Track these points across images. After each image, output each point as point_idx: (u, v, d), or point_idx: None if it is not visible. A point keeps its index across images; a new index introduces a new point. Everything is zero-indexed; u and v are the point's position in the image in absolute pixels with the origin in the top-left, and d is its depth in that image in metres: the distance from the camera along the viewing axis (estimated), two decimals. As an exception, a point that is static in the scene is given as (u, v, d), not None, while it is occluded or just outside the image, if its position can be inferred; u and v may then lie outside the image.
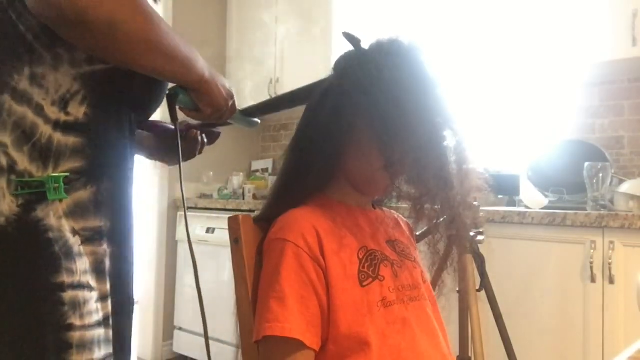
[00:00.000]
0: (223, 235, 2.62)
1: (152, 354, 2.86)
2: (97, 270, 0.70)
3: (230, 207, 2.68)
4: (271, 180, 3.24)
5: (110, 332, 0.71)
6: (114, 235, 0.73)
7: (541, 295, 1.75)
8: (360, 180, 0.86)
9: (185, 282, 2.83)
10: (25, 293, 0.64)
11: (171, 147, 0.94)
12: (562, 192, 2.01)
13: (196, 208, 2.86)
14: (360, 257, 0.81)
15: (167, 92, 0.83)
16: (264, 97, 2.92)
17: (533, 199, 1.96)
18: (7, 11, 0.66)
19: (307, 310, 0.74)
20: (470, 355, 1.19)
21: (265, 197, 3.06)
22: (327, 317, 0.76)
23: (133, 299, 0.80)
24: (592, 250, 1.63)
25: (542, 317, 1.74)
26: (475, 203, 0.84)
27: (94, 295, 0.68)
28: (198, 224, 2.78)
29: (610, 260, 1.60)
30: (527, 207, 1.94)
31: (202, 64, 0.77)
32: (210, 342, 2.86)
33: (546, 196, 2.00)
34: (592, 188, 1.84)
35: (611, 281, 1.60)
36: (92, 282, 0.69)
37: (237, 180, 3.09)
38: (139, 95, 0.78)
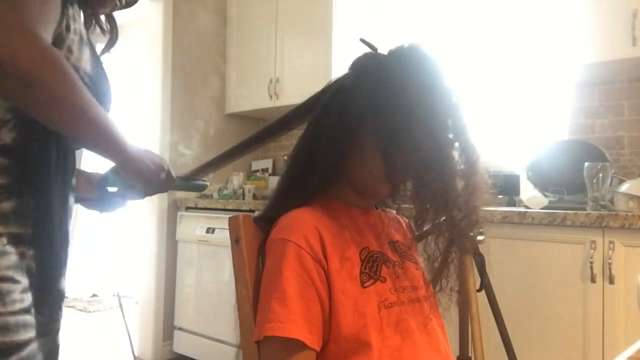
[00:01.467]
0: (223, 235, 2.62)
1: (152, 354, 2.86)
2: (20, 267, 0.80)
3: (230, 207, 2.68)
4: (271, 180, 3.24)
5: (33, 319, 0.81)
6: (35, 241, 0.82)
7: (541, 295, 1.75)
8: (361, 185, 0.86)
9: (186, 282, 2.83)
10: None
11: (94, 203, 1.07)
12: (562, 192, 2.01)
13: (196, 208, 2.86)
14: (362, 258, 0.81)
15: (100, 177, 0.95)
16: (264, 97, 2.94)
17: (533, 199, 1.96)
18: None
19: (308, 311, 0.74)
20: (470, 355, 1.19)
21: (266, 197, 3.05)
22: (329, 317, 0.76)
23: (62, 292, 0.91)
24: (592, 250, 1.63)
25: (542, 316, 1.74)
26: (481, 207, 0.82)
27: (18, 287, 0.78)
28: (198, 224, 2.78)
29: (610, 260, 1.60)
30: (527, 207, 1.94)
31: (128, 141, 0.86)
32: (210, 342, 2.88)
33: (546, 196, 2.00)
34: (592, 188, 1.84)
35: (611, 281, 1.60)
36: (17, 276, 0.78)
37: (237, 180, 3.09)
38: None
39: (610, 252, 1.60)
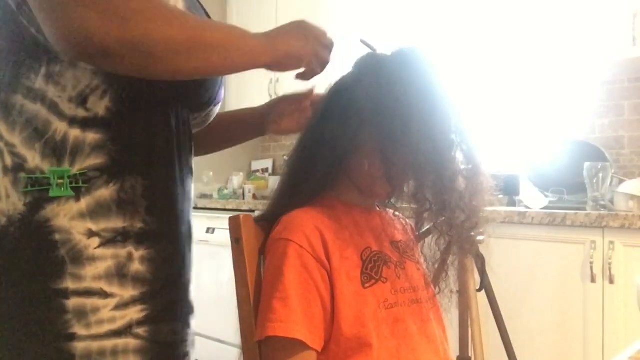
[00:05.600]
0: (223, 235, 2.62)
1: (152, 354, 2.86)
2: (119, 274, 0.65)
3: (230, 207, 2.68)
4: (271, 180, 3.24)
5: (141, 342, 0.65)
6: (147, 236, 0.68)
7: (541, 295, 1.75)
8: (362, 184, 0.86)
9: (185, 282, 2.83)
10: (25, 298, 0.61)
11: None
12: (562, 192, 2.01)
13: (196, 208, 2.86)
14: (364, 258, 0.81)
15: None
16: (264, 97, 2.93)
17: (533, 199, 1.96)
18: (18, 16, 0.64)
19: (310, 311, 0.74)
20: (470, 355, 1.19)
21: (266, 197, 3.05)
22: (330, 317, 0.76)
23: (187, 303, 0.75)
24: (592, 250, 1.63)
25: (542, 317, 1.74)
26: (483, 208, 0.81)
27: (110, 302, 0.64)
28: (198, 224, 2.76)
29: (610, 260, 1.60)
30: (527, 207, 1.94)
31: (253, 36, 0.68)
32: (211, 342, 2.87)
33: (546, 196, 2.00)
34: (592, 188, 1.84)
35: (611, 281, 1.60)
36: (108, 288, 0.64)
37: (237, 180, 3.09)
38: (178, 85, 0.70)
39: (610, 252, 1.60)
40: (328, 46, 0.80)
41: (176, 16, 0.61)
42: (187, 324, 0.74)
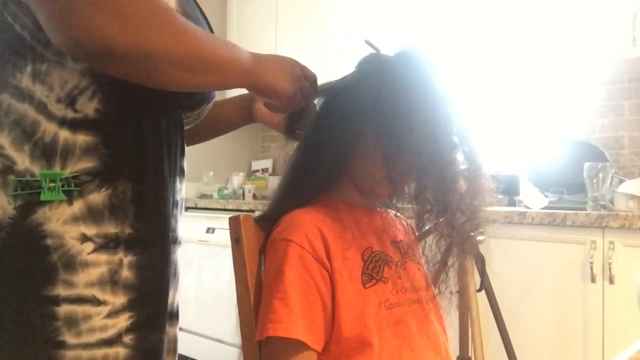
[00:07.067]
0: (223, 235, 2.62)
1: (152, 354, 2.86)
2: (111, 281, 0.64)
3: (230, 207, 2.68)
4: (271, 180, 3.24)
5: (128, 351, 0.65)
6: (136, 243, 0.67)
7: (541, 295, 1.75)
8: (363, 184, 0.86)
9: (186, 282, 2.83)
10: (15, 305, 0.60)
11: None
12: (562, 192, 2.01)
13: (196, 208, 2.86)
14: (365, 258, 0.81)
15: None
16: (264, 97, 2.93)
17: (533, 199, 1.96)
18: (2, 12, 0.63)
19: (310, 312, 0.74)
20: (470, 355, 1.19)
21: (266, 197, 3.04)
22: (331, 318, 0.76)
23: (171, 312, 0.75)
24: (592, 250, 1.63)
25: (542, 317, 1.74)
26: (483, 210, 0.81)
27: (102, 310, 0.63)
28: (198, 224, 2.78)
29: (610, 260, 1.60)
30: (527, 207, 1.94)
31: (245, 57, 0.70)
32: (211, 342, 2.86)
33: (546, 196, 2.00)
34: (592, 188, 1.84)
35: (611, 281, 1.60)
36: (101, 295, 0.63)
37: (237, 180, 3.09)
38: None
39: (610, 252, 1.60)
40: (308, 95, 0.83)
41: (191, 35, 0.62)
42: (165, 332, 0.74)
